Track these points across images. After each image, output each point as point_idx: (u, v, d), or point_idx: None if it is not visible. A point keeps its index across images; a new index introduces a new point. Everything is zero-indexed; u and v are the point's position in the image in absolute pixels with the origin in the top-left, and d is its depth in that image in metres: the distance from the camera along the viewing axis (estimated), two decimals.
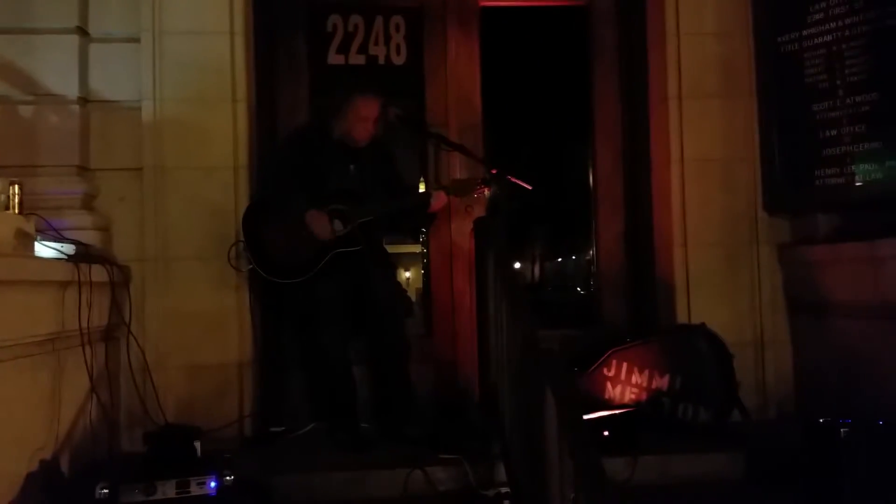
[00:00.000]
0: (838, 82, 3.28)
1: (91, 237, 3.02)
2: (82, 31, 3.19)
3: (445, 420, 3.35)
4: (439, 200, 3.24)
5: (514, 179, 3.15)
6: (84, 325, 2.64)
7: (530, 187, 3.18)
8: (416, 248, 4.66)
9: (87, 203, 3.17)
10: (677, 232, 3.56)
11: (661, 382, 3.24)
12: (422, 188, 3.70)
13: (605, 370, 3.35)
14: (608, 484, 1.59)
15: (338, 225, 3.07)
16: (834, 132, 3.30)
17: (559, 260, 4.35)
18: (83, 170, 3.18)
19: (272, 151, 3.25)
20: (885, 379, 2.88)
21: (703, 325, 3.27)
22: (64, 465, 2.56)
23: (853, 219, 3.31)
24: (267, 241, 3.04)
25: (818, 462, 2.51)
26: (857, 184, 3.20)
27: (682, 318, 3.51)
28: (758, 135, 3.57)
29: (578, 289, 4.17)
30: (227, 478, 2.18)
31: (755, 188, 3.57)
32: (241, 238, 3.08)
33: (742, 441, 2.95)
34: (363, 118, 3.11)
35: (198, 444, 2.36)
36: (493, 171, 3.13)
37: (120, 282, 3.01)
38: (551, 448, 1.92)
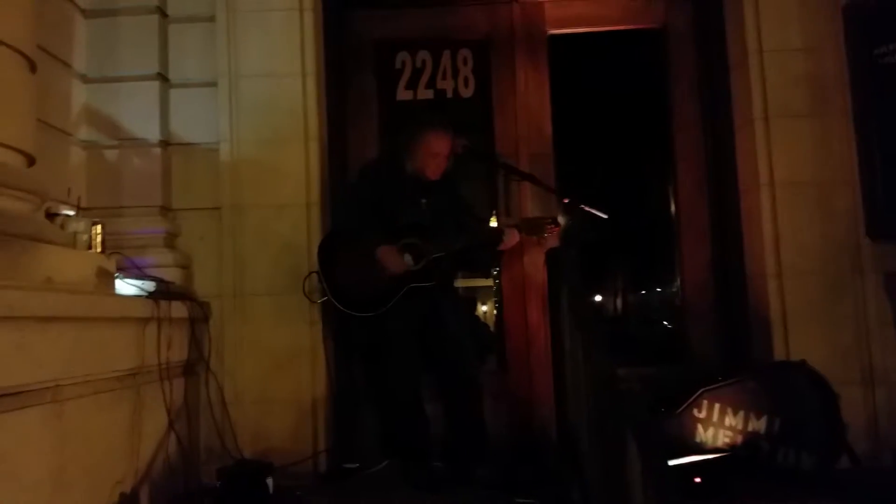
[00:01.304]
0: None
1: (173, 274, 3.10)
2: (163, 78, 3.33)
3: (520, 462, 3.21)
4: (511, 238, 3.15)
5: (587, 208, 3.03)
6: (163, 360, 2.68)
7: (605, 216, 3.05)
8: (488, 282, 4.57)
9: (169, 242, 3.27)
10: (770, 261, 3.31)
11: (758, 425, 2.97)
12: (493, 223, 3.62)
13: (695, 411, 3.10)
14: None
15: (409, 259, 3.02)
16: None
17: (643, 292, 4.14)
18: (165, 210, 3.29)
19: (346, 186, 3.26)
20: None
21: (803, 361, 3.00)
22: (143, 499, 2.57)
23: None
24: (340, 275, 3.03)
25: None
26: None
27: (779, 354, 3.25)
28: (856, 156, 3.29)
29: (665, 323, 3.92)
30: None
31: (856, 213, 3.28)
32: (317, 270, 3.07)
33: (852, 492, 2.68)
34: (434, 154, 3.07)
35: (270, 481, 2.33)
36: (565, 200, 3.02)
37: (199, 317, 3.06)
38: (635, 496, 1.77)
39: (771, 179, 3.34)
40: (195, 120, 3.36)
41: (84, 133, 3.26)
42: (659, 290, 4.06)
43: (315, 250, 3.23)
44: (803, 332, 3.24)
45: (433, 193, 3.16)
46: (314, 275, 3.14)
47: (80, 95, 3.27)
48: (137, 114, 3.28)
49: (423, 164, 3.10)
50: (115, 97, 3.27)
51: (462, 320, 3.17)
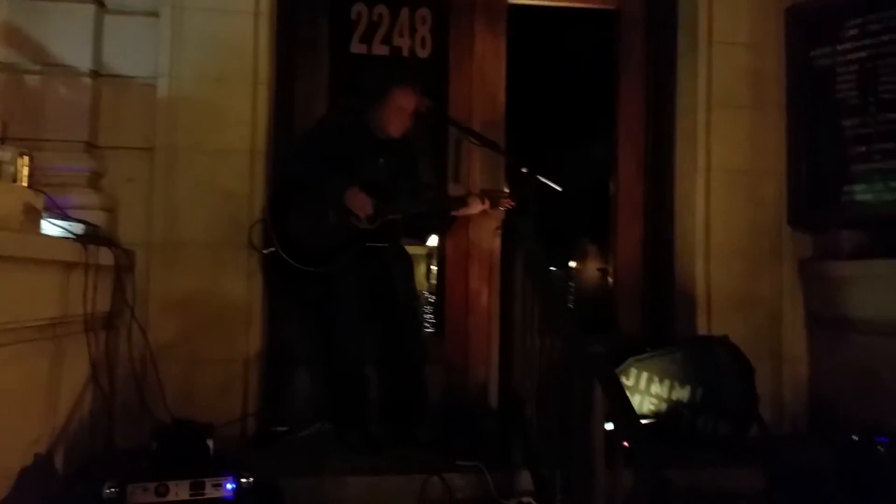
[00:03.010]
0: (871, 99, 3.20)
1: (96, 217, 2.81)
2: (98, 2, 2.99)
3: (457, 425, 3.19)
4: (474, 206, 3.10)
5: (544, 180, 3.02)
6: (88, 310, 2.44)
7: (560, 189, 3.05)
8: (422, 250, 4.52)
9: (94, 182, 2.97)
10: (700, 242, 3.44)
11: (682, 394, 3.12)
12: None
13: (623, 379, 3.21)
14: (663, 467, 1.50)
15: (363, 218, 2.91)
16: (863, 149, 3.22)
17: (574, 265, 4.23)
18: (91, 146, 2.98)
19: (302, 138, 3.07)
20: None
21: (726, 337, 3.16)
22: (59, 461, 2.35)
23: (879, 236, 3.23)
24: (291, 227, 2.87)
25: (851, 480, 2.39)
26: (886, 201, 3.11)
27: (701, 329, 3.39)
28: (786, 148, 3.46)
29: (593, 296, 4.02)
30: (246, 480, 1.99)
31: (781, 202, 3.47)
32: (267, 220, 2.90)
33: (763, 456, 2.85)
34: (400, 108, 2.96)
35: (210, 443, 2.17)
36: (524, 170, 2.99)
37: (125, 266, 2.81)
38: (598, 446, 1.80)
39: (708, 165, 3.45)
40: (132, 51, 3.04)
41: (2, 53, 2.88)
42: (591, 264, 4.14)
43: (258, 201, 3.09)
44: (725, 310, 3.40)
45: (392, 153, 3.06)
46: (260, 225, 2.96)
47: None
48: (67, 38, 2.92)
49: (388, 120, 2.98)
50: (43, 17, 2.89)
51: (411, 283, 3.10)
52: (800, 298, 3.47)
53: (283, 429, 3.14)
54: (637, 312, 3.77)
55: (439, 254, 3.83)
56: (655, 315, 3.72)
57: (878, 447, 2.35)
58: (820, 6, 3.41)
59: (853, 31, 3.27)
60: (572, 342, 1.96)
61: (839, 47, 3.31)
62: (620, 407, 1.65)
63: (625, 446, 2.73)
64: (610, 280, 3.90)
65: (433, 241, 3.95)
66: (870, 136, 3.18)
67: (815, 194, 3.38)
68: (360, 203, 2.89)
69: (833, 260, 3.34)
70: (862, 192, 3.21)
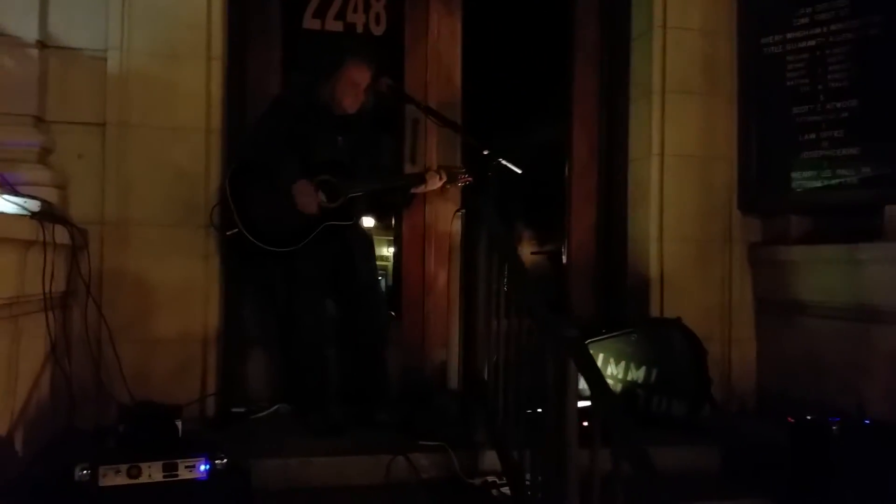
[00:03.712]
0: (820, 87, 3.41)
1: (47, 195, 2.77)
2: None
3: (416, 406, 3.31)
4: (433, 183, 3.19)
5: (505, 163, 3.14)
6: (47, 289, 2.45)
7: (520, 171, 3.18)
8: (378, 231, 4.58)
9: (43, 158, 2.94)
10: (653, 226, 3.63)
11: (637, 375, 3.30)
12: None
13: None
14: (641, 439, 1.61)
15: (323, 198, 2.97)
16: (812, 136, 3.43)
17: (531, 252, 4.38)
18: (39, 121, 2.94)
19: (261, 117, 3.10)
20: (855, 379, 3.03)
21: (679, 319, 3.33)
22: (19, 443, 2.36)
23: (825, 222, 3.46)
24: (251, 207, 2.91)
25: (806, 459, 2.54)
26: (833, 188, 3.34)
27: (654, 312, 3.58)
28: (737, 134, 3.67)
29: (545, 278, 4.18)
30: (220, 461, 2.06)
31: (732, 187, 3.68)
32: (229, 199, 2.92)
33: (717, 436, 3.02)
34: (354, 83, 3.02)
35: (179, 424, 2.23)
36: (485, 153, 3.10)
37: (80, 245, 2.81)
38: (571, 426, 1.93)
39: (662, 150, 3.63)
40: (81, 22, 3.00)
41: None
42: (546, 246, 4.30)
43: (214, 180, 3.12)
44: (678, 293, 3.60)
45: (350, 131, 3.12)
46: (219, 207, 2.99)
47: None
48: (11, 6, 2.87)
49: (342, 95, 3.04)
50: None
51: (373, 262, 3.19)
52: (749, 282, 3.70)
53: (241, 409, 3.21)
54: (590, 295, 3.95)
55: (395, 235, 3.92)
56: (609, 298, 3.92)
57: (833, 427, 2.48)
58: None
59: (803, 20, 3.47)
60: (544, 323, 2.09)
61: (789, 35, 3.51)
62: (597, 385, 1.77)
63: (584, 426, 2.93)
64: (564, 261, 4.05)
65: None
66: (818, 123, 3.40)
67: (764, 180, 3.59)
68: (306, 202, 2.92)
69: (782, 245, 3.55)
70: (811, 179, 3.42)
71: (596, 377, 1.86)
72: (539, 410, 2.19)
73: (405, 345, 3.65)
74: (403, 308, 3.73)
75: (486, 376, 2.78)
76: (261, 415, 3.21)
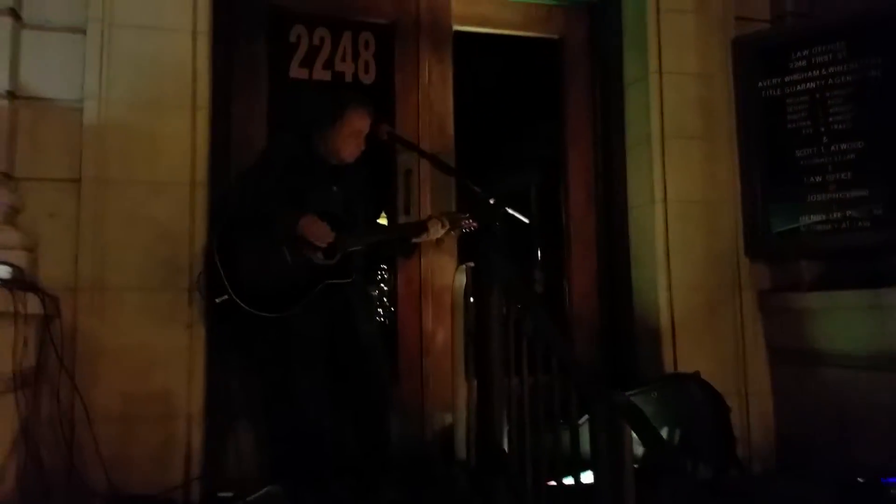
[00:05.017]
0: (822, 129, 3.45)
1: (16, 258, 2.61)
2: (15, 14, 2.82)
3: (423, 478, 3.13)
4: (436, 230, 3.08)
5: (512, 212, 3.06)
6: (17, 366, 2.25)
7: (528, 220, 3.10)
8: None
9: (11, 218, 2.75)
10: (661, 274, 3.57)
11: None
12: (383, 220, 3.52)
13: None
14: None
15: (320, 255, 2.83)
16: (819, 178, 3.45)
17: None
18: (7, 177, 2.77)
19: (249, 171, 2.95)
20: (889, 432, 2.93)
21: (697, 374, 3.24)
22: None
23: (837, 266, 3.45)
24: (241, 269, 2.74)
25: None
26: (845, 231, 3.34)
27: (667, 366, 3.49)
28: (739, 178, 3.67)
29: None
30: None
31: (737, 232, 3.66)
32: (217, 263, 2.74)
33: (740, 499, 2.92)
34: (356, 132, 2.93)
35: None
36: (492, 201, 3.01)
37: (52, 314, 2.61)
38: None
39: (665, 196, 3.61)
40: (54, 71, 2.88)
41: None
42: (546, 299, 4.20)
43: (199, 238, 2.97)
44: (690, 344, 3.52)
45: (344, 180, 3.01)
46: (206, 268, 2.82)
47: None
48: None
49: (342, 144, 2.93)
50: None
51: (374, 324, 3.04)
52: (761, 331, 3.63)
53: (229, 495, 2.98)
54: (593, 345, 3.84)
55: (390, 291, 3.78)
56: (614, 351, 3.81)
57: (891, 490, 2.37)
58: (764, 37, 3.69)
59: (801, 63, 3.54)
60: (588, 385, 1.97)
61: (787, 78, 3.57)
62: (654, 441, 1.66)
63: None
64: (566, 309, 3.94)
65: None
66: (824, 165, 3.43)
67: (771, 225, 3.58)
68: (319, 231, 2.78)
69: (795, 291, 3.51)
70: (820, 223, 3.43)
71: (653, 436, 1.74)
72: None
73: (404, 410, 3.47)
74: (401, 370, 3.56)
75: (505, 445, 2.63)
76: (252, 498, 2.98)
